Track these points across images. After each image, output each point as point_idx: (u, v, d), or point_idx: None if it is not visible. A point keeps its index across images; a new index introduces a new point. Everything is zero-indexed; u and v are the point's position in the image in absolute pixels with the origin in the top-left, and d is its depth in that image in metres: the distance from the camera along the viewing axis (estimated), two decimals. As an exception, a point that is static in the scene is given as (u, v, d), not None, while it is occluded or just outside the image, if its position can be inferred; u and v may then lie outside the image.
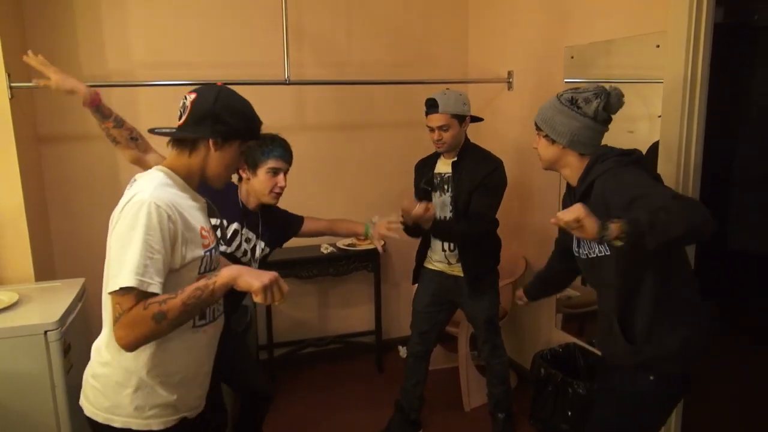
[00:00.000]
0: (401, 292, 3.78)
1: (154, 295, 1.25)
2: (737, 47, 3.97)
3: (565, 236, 1.90)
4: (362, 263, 3.45)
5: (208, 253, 1.42)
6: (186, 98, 1.43)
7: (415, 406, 2.81)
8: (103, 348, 1.43)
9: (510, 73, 3.30)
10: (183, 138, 1.43)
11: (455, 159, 2.54)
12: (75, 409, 1.51)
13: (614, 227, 1.35)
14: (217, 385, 2.15)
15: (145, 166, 1.88)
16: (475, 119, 2.59)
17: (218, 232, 1.59)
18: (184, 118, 1.42)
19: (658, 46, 2.26)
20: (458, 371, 3.15)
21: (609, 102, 1.71)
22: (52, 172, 3.01)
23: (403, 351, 3.76)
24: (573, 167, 1.75)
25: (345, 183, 3.59)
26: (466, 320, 2.84)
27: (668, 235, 1.35)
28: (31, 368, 2.02)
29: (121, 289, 1.22)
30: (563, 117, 1.72)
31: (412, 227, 2.46)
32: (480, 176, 2.47)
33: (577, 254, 1.80)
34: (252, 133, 1.48)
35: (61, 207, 3.05)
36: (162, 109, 3.13)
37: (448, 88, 2.52)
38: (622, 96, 1.74)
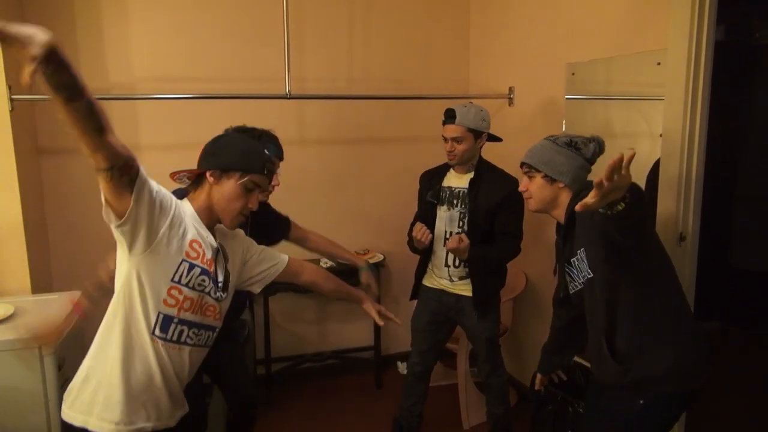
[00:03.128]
0: (400, 308, 3.75)
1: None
2: (738, 65, 3.98)
3: (558, 288, 1.95)
4: (361, 278, 3.43)
5: (186, 264, 1.44)
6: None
7: (413, 425, 2.77)
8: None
9: (511, 89, 3.30)
10: (190, 177, 1.54)
11: (473, 175, 2.52)
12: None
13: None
14: (199, 397, 2.13)
15: None
16: (493, 138, 2.55)
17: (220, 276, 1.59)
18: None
19: (659, 64, 2.26)
20: (457, 388, 3.12)
21: (599, 146, 1.86)
22: (52, 185, 3.01)
23: (402, 367, 3.72)
24: (564, 206, 1.83)
25: (346, 197, 3.58)
26: (466, 338, 2.82)
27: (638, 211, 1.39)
28: (25, 382, 2.00)
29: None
30: (564, 157, 1.81)
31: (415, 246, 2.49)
32: (500, 195, 2.44)
33: (571, 293, 1.85)
34: (249, 164, 1.52)
35: (59, 219, 3.04)
36: (162, 122, 3.15)
37: (471, 101, 2.51)
38: (604, 144, 1.90)
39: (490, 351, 2.65)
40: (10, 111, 2.51)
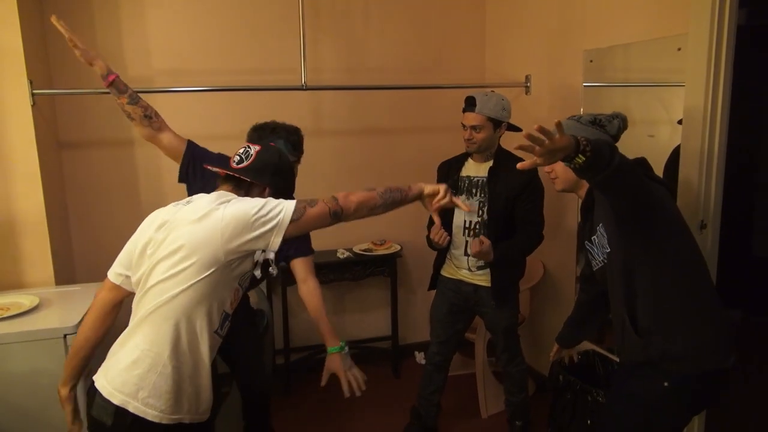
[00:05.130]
0: (418, 298, 3.76)
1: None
2: (761, 50, 3.89)
3: (586, 265, 1.96)
4: (378, 268, 3.44)
5: (249, 274, 1.57)
6: (250, 148, 1.66)
7: (431, 414, 2.79)
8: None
9: (528, 77, 3.28)
10: (243, 179, 1.61)
11: (492, 164, 2.51)
12: (93, 413, 1.52)
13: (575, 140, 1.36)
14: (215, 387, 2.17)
15: (158, 144, 2.18)
16: (513, 128, 2.52)
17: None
18: (246, 163, 1.63)
19: (679, 49, 2.23)
20: (475, 377, 3.12)
21: (623, 123, 1.84)
22: (73, 178, 3.06)
23: (419, 357, 3.74)
24: (587, 184, 1.82)
25: (362, 188, 3.58)
26: (485, 328, 2.82)
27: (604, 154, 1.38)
28: (50, 371, 2.03)
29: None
30: (589, 135, 1.75)
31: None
32: (520, 183, 2.43)
33: (595, 270, 1.86)
34: (287, 194, 1.69)
35: (81, 212, 3.09)
36: (180, 115, 3.17)
37: (492, 90, 2.51)
38: (627, 119, 1.88)
39: (508, 340, 2.65)
40: (32, 105, 2.54)
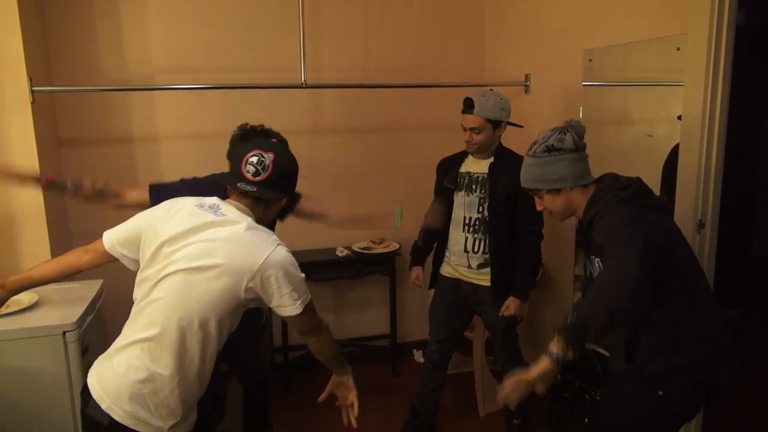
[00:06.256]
0: (416, 296, 3.76)
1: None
2: (760, 49, 3.90)
3: (589, 279, 1.93)
4: (377, 266, 3.44)
5: None
6: (264, 156, 1.50)
7: (430, 412, 2.79)
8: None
9: (527, 77, 3.28)
10: (267, 197, 1.54)
11: (492, 160, 2.51)
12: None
13: (557, 348, 1.54)
14: (218, 385, 2.18)
15: (129, 206, 1.99)
16: (514, 124, 2.53)
17: None
18: (264, 175, 1.50)
19: (678, 49, 2.23)
20: (473, 376, 3.13)
21: (577, 131, 1.78)
22: (72, 175, 3.02)
23: (418, 355, 3.74)
24: (582, 203, 1.78)
25: (362, 187, 3.59)
26: (484, 326, 2.82)
27: (596, 326, 1.48)
28: (50, 368, 2.04)
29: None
30: (552, 165, 1.75)
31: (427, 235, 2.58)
32: (520, 180, 2.43)
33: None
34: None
35: (80, 209, 3.07)
36: (179, 112, 3.18)
37: (491, 89, 2.50)
38: (580, 121, 1.82)
39: (507, 339, 2.65)
40: (32, 102, 2.54)
